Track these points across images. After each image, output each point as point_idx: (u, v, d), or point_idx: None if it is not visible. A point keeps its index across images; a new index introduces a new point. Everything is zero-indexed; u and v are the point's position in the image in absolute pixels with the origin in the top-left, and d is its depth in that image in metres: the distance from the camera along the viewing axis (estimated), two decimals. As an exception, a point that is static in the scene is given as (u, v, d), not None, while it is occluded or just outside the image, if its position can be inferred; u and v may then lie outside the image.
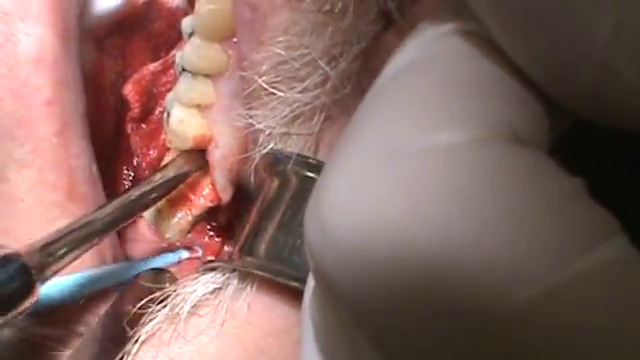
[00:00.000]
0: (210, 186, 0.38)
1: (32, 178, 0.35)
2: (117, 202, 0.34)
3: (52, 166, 0.35)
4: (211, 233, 0.40)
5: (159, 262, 0.36)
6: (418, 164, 0.19)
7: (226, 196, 0.37)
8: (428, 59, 0.21)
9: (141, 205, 0.34)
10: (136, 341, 0.29)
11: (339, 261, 0.19)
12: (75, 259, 0.32)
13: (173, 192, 0.37)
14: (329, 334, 0.23)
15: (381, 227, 0.19)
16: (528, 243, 0.18)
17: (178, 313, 0.29)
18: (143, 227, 0.40)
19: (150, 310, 0.30)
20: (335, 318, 0.22)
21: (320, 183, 0.20)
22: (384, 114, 0.21)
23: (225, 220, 0.40)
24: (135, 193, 0.35)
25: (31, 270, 0.29)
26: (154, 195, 0.35)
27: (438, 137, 0.19)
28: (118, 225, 0.34)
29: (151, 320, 0.29)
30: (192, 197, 0.38)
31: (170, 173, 0.35)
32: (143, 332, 0.29)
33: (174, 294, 0.30)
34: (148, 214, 0.39)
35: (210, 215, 0.40)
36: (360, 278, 0.19)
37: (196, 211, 0.38)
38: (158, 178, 0.35)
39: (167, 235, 0.39)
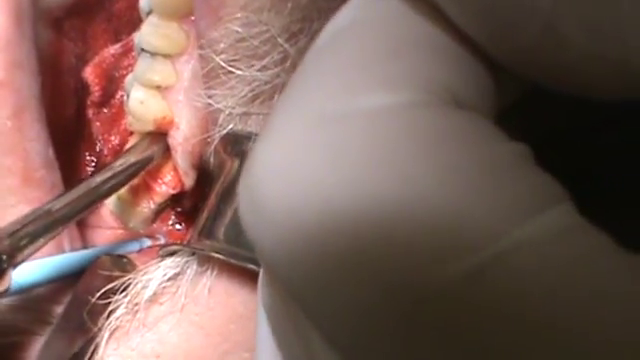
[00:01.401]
0: (172, 173, 0.37)
1: (-15, 163, 0.34)
2: (81, 188, 0.33)
3: (7, 150, 0.34)
4: (175, 219, 0.39)
5: (120, 250, 0.35)
6: (346, 127, 0.18)
7: (189, 180, 0.37)
8: (364, 20, 0.20)
9: (104, 191, 0.34)
10: (102, 333, 0.28)
11: (269, 232, 0.19)
12: (44, 245, 0.31)
13: (135, 180, 0.36)
14: (276, 315, 0.23)
15: (309, 196, 0.18)
16: (465, 210, 0.17)
17: (138, 302, 0.29)
18: (105, 214, 0.39)
19: (111, 300, 0.29)
20: (278, 297, 0.21)
21: (251, 153, 0.20)
22: (316, 78, 0.20)
23: (190, 205, 0.39)
24: (97, 179, 0.34)
25: (1, 256, 0.28)
26: (117, 181, 0.34)
27: (369, 99, 0.19)
28: (83, 212, 0.33)
29: (112, 311, 0.29)
30: (154, 185, 0.37)
31: (132, 158, 0.35)
32: (107, 325, 0.28)
33: (134, 282, 0.29)
34: (111, 203, 0.38)
35: (174, 202, 0.39)
36: (290, 250, 0.18)
37: (159, 199, 0.38)
38: (120, 164, 0.34)
39: (130, 225, 0.38)
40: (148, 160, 0.35)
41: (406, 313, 0.17)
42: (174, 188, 0.37)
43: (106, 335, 0.29)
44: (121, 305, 0.30)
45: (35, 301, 0.32)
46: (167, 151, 0.36)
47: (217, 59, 0.31)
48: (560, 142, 0.23)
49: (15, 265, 0.29)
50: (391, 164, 0.18)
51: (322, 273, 0.18)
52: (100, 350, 0.30)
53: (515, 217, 0.17)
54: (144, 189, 0.38)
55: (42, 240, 0.30)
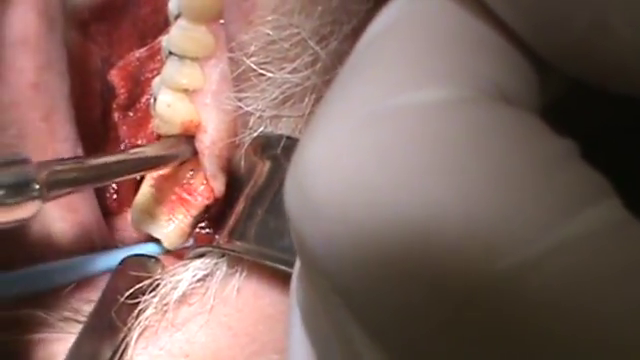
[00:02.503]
0: (204, 183, 0.37)
1: (18, 163, 0.34)
2: (112, 156, 0.34)
3: (38, 150, 0.34)
4: (202, 224, 0.40)
5: (148, 250, 0.35)
6: (394, 124, 0.18)
7: (218, 185, 0.37)
8: (410, 17, 0.20)
9: (130, 167, 0.34)
10: (131, 333, 0.29)
11: (317, 228, 0.19)
12: (72, 193, 0.32)
13: (168, 197, 0.36)
14: (313, 313, 0.23)
15: (358, 192, 0.18)
16: (514, 206, 0.17)
17: (167, 302, 0.29)
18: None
19: (139, 300, 0.29)
20: (317, 294, 0.21)
21: (300, 148, 0.20)
22: (363, 75, 0.20)
23: (217, 211, 0.40)
24: (126, 155, 0.35)
25: (36, 184, 0.29)
26: (140, 164, 0.34)
27: (417, 95, 0.19)
28: (113, 177, 0.34)
29: (141, 311, 0.29)
30: (188, 198, 0.37)
31: (159, 150, 0.35)
32: (136, 325, 0.28)
33: (163, 282, 0.30)
34: (137, 221, 0.38)
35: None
36: (338, 246, 0.18)
37: (195, 211, 0.38)
38: (148, 150, 0.35)
39: (166, 243, 0.38)
40: (173, 157, 0.35)
41: (456, 310, 0.17)
42: (208, 198, 0.37)
43: (135, 335, 0.30)
44: (150, 305, 0.30)
45: (65, 299, 0.32)
46: (198, 165, 0.37)
47: (248, 62, 0.31)
48: (598, 142, 0.23)
49: (45, 199, 0.29)
50: (441, 161, 0.18)
51: (370, 270, 0.18)
52: (129, 350, 0.30)
53: (566, 211, 0.17)
54: (179, 203, 0.38)
55: (72, 187, 0.31)
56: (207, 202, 0.37)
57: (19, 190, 0.28)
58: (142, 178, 0.38)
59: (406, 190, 0.18)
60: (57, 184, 0.30)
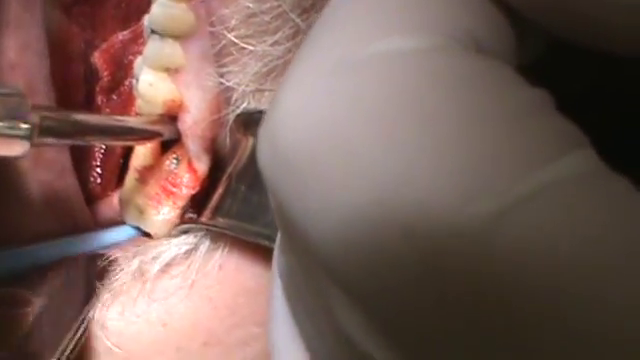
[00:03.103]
0: (188, 174, 0.37)
1: (-4, 145, 0.34)
2: (100, 118, 0.35)
3: None
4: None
5: (129, 231, 0.35)
6: (366, 72, 0.18)
7: (202, 166, 0.36)
8: None
9: (117, 131, 0.34)
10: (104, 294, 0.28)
11: (287, 177, 0.19)
12: (56, 144, 0.32)
13: (153, 189, 0.36)
14: (294, 282, 0.23)
15: (329, 140, 0.18)
16: (486, 154, 0.17)
17: (147, 270, 0.29)
18: (115, 201, 0.39)
19: (118, 264, 0.29)
20: (294, 255, 0.21)
21: (273, 101, 0.20)
22: (335, 25, 0.20)
23: (203, 194, 0.39)
24: (113, 120, 0.35)
25: (27, 125, 0.28)
26: (124, 133, 0.34)
27: (388, 43, 0.19)
28: (100, 136, 0.34)
29: (118, 274, 0.29)
30: (174, 190, 0.37)
31: (144, 124, 0.35)
32: (109, 286, 0.28)
33: (144, 250, 0.29)
34: (129, 215, 0.38)
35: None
36: (308, 195, 0.18)
37: (181, 202, 0.37)
38: (133, 120, 0.34)
39: (154, 232, 0.37)
40: (157, 134, 0.35)
41: (428, 260, 0.17)
42: (194, 188, 0.37)
43: (107, 295, 0.29)
44: (128, 269, 0.30)
45: (47, 277, 0.32)
46: (182, 151, 0.36)
47: (229, 36, 0.31)
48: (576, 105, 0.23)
49: (32, 143, 0.29)
50: (410, 109, 0.18)
51: (340, 220, 0.18)
52: (99, 311, 0.29)
53: (538, 160, 0.17)
54: (165, 196, 0.37)
55: (59, 138, 0.31)
56: (193, 192, 0.37)
57: (12, 123, 0.28)
58: (126, 167, 0.38)
59: (375, 138, 0.18)
60: (47, 130, 0.30)
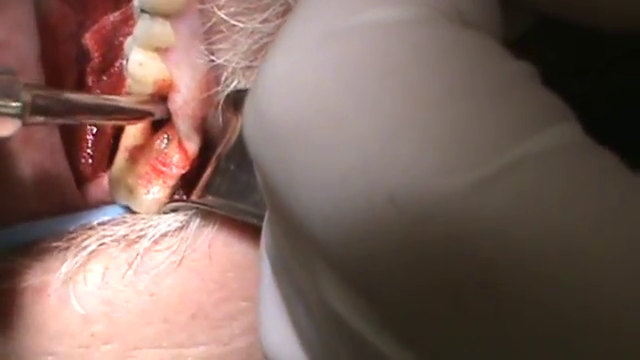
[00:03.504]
0: (178, 152, 0.37)
1: (-16, 124, 0.34)
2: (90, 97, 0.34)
3: None
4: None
5: (119, 211, 0.35)
6: (352, 42, 0.19)
7: (192, 145, 0.36)
8: None
9: (107, 111, 0.34)
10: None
11: (272, 146, 0.19)
12: (47, 123, 0.32)
13: (144, 169, 0.36)
14: (280, 258, 0.23)
15: (313, 108, 0.18)
16: (470, 124, 0.17)
17: (136, 242, 0.29)
18: (105, 182, 0.39)
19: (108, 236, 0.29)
20: (280, 228, 0.21)
21: (258, 72, 0.20)
22: None
23: (193, 175, 0.39)
24: (103, 99, 0.35)
25: (19, 102, 0.28)
26: (115, 112, 0.34)
27: (371, 15, 0.19)
28: (89, 115, 0.34)
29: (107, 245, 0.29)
30: (164, 169, 0.37)
31: (133, 103, 0.34)
32: (98, 256, 0.28)
33: (133, 224, 0.30)
34: (122, 198, 0.38)
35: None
36: (291, 159, 0.18)
37: (171, 181, 0.37)
38: (124, 100, 0.34)
39: (143, 211, 0.37)
40: (148, 113, 0.35)
41: (411, 222, 0.17)
42: (184, 167, 0.37)
43: (95, 265, 0.29)
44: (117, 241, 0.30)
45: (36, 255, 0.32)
46: (172, 130, 0.36)
47: (219, 13, 0.31)
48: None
49: (24, 121, 0.29)
50: (395, 79, 0.18)
51: (325, 188, 0.18)
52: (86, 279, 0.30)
53: (520, 132, 0.17)
54: (155, 175, 0.37)
55: (50, 117, 0.31)
56: (183, 171, 0.37)
57: (4, 101, 0.28)
58: (116, 148, 0.38)
59: (360, 106, 0.18)
60: (39, 109, 0.30)
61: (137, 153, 0.37)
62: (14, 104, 0.28)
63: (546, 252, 0.17)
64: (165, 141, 0.37)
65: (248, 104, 0.20)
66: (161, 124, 0.37)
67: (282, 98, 0.19)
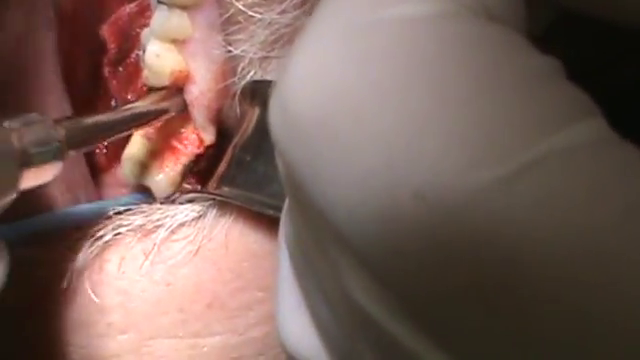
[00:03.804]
0: (194, 134, 0.37)
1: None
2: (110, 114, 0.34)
3: (22, 102, 0.34)
4: (191, 179, 0.39)
5: (133, 199, 0.35)
6: (377, 38, 0.19)
7: (208, 136, 0.37)
8: None
9: (128, 121, 0.34)
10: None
11: (300, 144, 0.19)
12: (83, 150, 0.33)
13: (158, 146, 0.36)
14: (300, 248, 0.23)
15: (339, 106, 0.18)
16: (496, 120, 0.17)
17: (152, 232, 0.29)
18: (120, 172, 0.39)
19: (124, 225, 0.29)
20: (302, 218, 0.21)
21: (284, 65, 0.20)
22: None
23: (207, 165, 0.39)
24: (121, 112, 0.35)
25: (58, 140, 0.29)
26: (134, 121, 0.34)
27: (398, 9, 0.19)
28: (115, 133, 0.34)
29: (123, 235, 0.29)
30: (179, 146, 0.37)
31: (149, 105, 0.35)
32: (114, 245, 0.28)
33: (150, 213, 0.30)
34: (133, 173, 0.38)
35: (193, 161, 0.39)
36: (317, 155, 0.19)
37: (185, 159, 0.37)
38: (138, 105, 0.34)
39: (157, 192, 0.37)
40: (164, 111, 0.35)
41: (437, 219, 0.17)
42: (199, 147, 0.37)
43: (112, 254, 0.29)
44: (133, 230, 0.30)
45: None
46: (189, 117, 0.36)
47: (237, 4, 0.31)
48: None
49: (64, 158, 0.29)
50: (421, 74, 0.18)
51: (352, 184, 0.18)
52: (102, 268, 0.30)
53: (547, 128, 0.17)
54: (169, 152, 0.37)
55: (85, 146, 0.31)
56: (197, 151, 0.37)
57: (43, 148, 0.28)
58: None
59: (386, 102, 0.18)
60: (74, 142, 0.30)
61: (153, 131, 0.37)
62: (52, 148, 0.28)
63: (570, 250, 0.17)
64: (181, 121, 0.37)
65: (274, 99, 0.20)
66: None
67: (308, 94, 0.19)
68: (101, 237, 0.31)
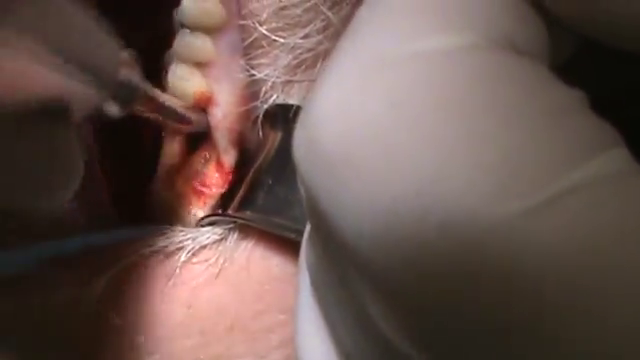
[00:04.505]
0: (217, 173, 0.37)
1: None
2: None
3: None
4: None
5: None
6: (405, 71, 0.19)
7: (229, 159, 0.37)
8: None
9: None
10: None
11: (326, 176, 0.19)
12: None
13: (183, 189, 0.37)
14: (322, 275, 0.23)
15: (367, 138, 0.19)
16: (523, 152, 0.18)
17: (174, 254, 0.29)
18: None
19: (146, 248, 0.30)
20: (325, 251, 0.22)
21: (310, 98, 0.20)
22: (375, 22, 0.20)
23: (228, 188, 0.40)
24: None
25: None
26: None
27: (427, 42, 0.19)
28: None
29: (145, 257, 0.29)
30: (204, 190, 0.38)
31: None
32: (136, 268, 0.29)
33: (172, 236, 0.30)
34: (162, 216, 0.38)
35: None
36: (347, 194, 0.19)
37: (211, 201, 0.38)
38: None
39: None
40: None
41: (462, 251, 0.17)
42: (223, 186, 0.38)
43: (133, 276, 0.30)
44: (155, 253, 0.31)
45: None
46: (210, 149, 0.37)
47: (260, 29, 0.32)
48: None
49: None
50: (451, 107, 0.18)
51: (380, 216, 0.18)
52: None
53: (572, 160, 0.18)
54: (195, 196, 0.38)
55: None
56: (222, 190, 0.38)
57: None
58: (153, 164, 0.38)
59: (413, 134, 0.18)
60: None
61: (176, 174, 0.38)
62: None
63: (596, 287, 0.17)
64: (202, 161, 0.38)
65: (299, 129, 0.20)
66: (198, 144, 0.38)
67: (334, 125, 0.19)
68: (123, 260, 0.31)
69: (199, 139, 0.38)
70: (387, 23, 0.20)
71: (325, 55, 0.31)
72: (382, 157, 0.18)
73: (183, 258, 0.30)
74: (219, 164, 0.37)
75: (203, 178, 0.37)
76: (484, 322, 0.18)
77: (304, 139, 0.20)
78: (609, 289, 0.17)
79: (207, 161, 0.37)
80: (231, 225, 0.32)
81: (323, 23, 0.31)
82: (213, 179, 0.37)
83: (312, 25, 0.31)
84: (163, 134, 0.38)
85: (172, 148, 0.38)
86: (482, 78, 0.19)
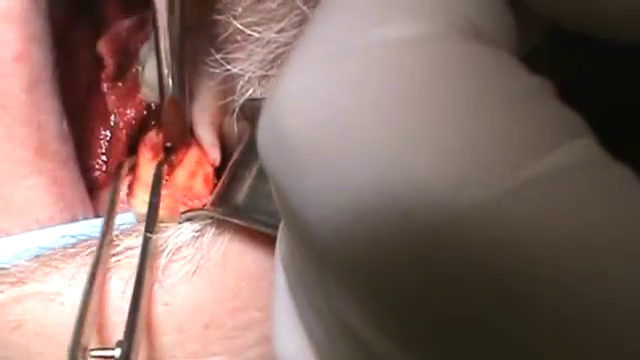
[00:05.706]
0: (203, 187, 0.38)
1: (0, 135, 0.35)
2: None
3: (21, 123, 0.35)
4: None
5: (134, 218, 0.36)
6: (367, 57, 0.19)
7: (215, 153, 0.37)
8: None
9: None
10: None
11: (289, 164, 0.20)
12: None
13: (171, 205, 0.37)
14: (295, 270, 0.23)
15: (328, 125, 0.19)
16: (486, 140, 0.18)
17: (152, 252, 0.30)
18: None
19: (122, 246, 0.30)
20: (294, 242, 0.22)
21: (273, 88, 0.21)
22: (335, 12, 0.21)
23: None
24: None
25: None
26: None
27: (387, 31, 0.19)
28: None
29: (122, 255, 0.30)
30: (192, 203, 0.38)
31: None
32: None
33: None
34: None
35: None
36: (305, 176, 0.19)
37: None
38: None
39: None
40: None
41: (426, 240, 0.18)
42: (210, 193, 0.37)
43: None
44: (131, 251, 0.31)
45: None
46: (197, 165, 0.37)
47: (235, 23, 0.32)
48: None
49: None
50: (409, 95, 0.19)
51: (340, 206, 0.19)
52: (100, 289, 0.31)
53: (536, 150, 0.18)
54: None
55: None
56: (209, 196, 0.38)
57: None
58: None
59: (375, 123, 0.19)
60: None
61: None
62: None
63: (558, 268, 0.17)
64: (183, 173, 0.38)
65: (263, 119, 0.21)
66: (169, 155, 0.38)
67: (297, 112, 0.19)
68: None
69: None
70: (349, 11, 0.21)
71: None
72: (344, 146, 0.19)
73: (163, 262, 0.31)
74: (206, 178, 0.37)
75: (189, 193, 0.37)
76: (449, 309, 0.18)
77: (267, 126, 0.20)
78: (568, 278, 0.17)
79: (193, 176, 0.38)
80: (208, 220, 0.32)
81: (298, 17, 0.31)
82: (200, 193, 0.37)
83: (287, 19, 0.32)
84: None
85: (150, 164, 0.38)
86: (444, 65, 0.19)
